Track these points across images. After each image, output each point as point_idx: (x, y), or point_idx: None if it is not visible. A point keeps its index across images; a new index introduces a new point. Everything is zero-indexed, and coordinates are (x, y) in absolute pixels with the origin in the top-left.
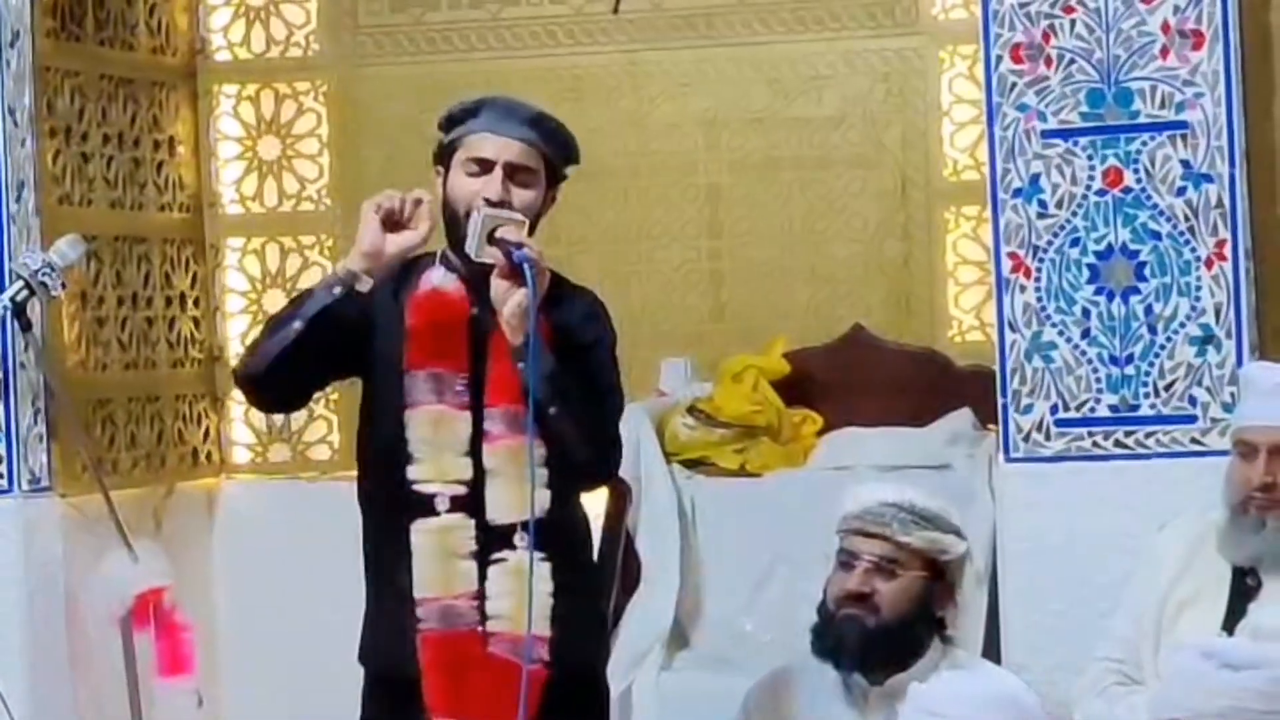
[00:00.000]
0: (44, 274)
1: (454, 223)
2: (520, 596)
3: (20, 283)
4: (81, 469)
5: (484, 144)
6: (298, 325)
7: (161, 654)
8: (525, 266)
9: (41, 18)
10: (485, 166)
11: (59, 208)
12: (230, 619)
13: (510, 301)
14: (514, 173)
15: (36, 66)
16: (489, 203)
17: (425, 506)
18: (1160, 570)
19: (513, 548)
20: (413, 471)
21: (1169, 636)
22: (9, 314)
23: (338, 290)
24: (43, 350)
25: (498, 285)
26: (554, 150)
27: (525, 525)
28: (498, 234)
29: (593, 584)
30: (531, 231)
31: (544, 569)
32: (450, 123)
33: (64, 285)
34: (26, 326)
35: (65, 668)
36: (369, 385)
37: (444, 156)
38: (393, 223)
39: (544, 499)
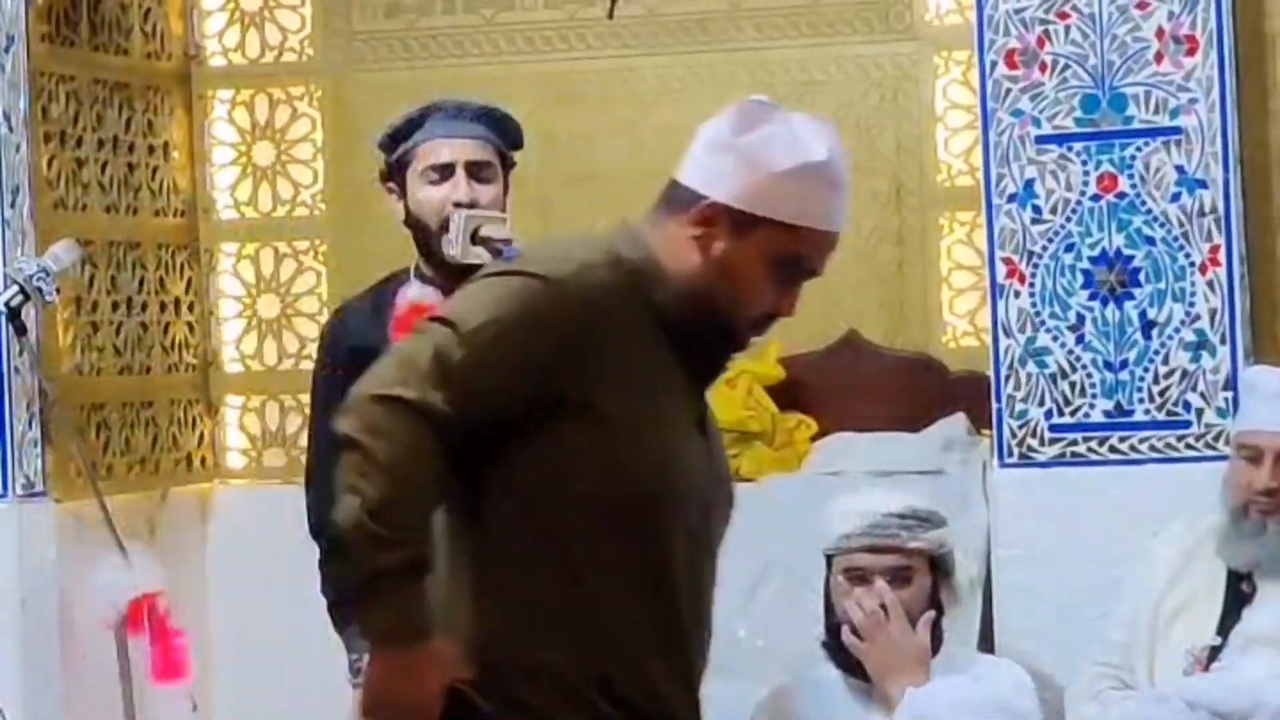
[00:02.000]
0: (39, 279)
1: (423, 235)
2: None
3: (15, 287)
4: (76, 474)
5: (439, 149)
6: None
7: (155, 659)
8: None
9: (36, 22)
10: (445, 171)
11: (54, 212)
12: (224, 624)
13: None
14: (474, 171)
15: (31, 71)
16: (459, 205)
17: None
18: (1155, 575)
19: None
20: None
21: (1163, 642)
22: (3, 318)
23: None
24: (37, 355)
25: None
26: (505, 141)
27: None
28: (482, 233)
29: None
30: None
31: None
32: (395, 138)
33: (58, 290)
34: (21, 331)
35: (59, 673)
36: None
37: (396, 172)
38: None
39: None
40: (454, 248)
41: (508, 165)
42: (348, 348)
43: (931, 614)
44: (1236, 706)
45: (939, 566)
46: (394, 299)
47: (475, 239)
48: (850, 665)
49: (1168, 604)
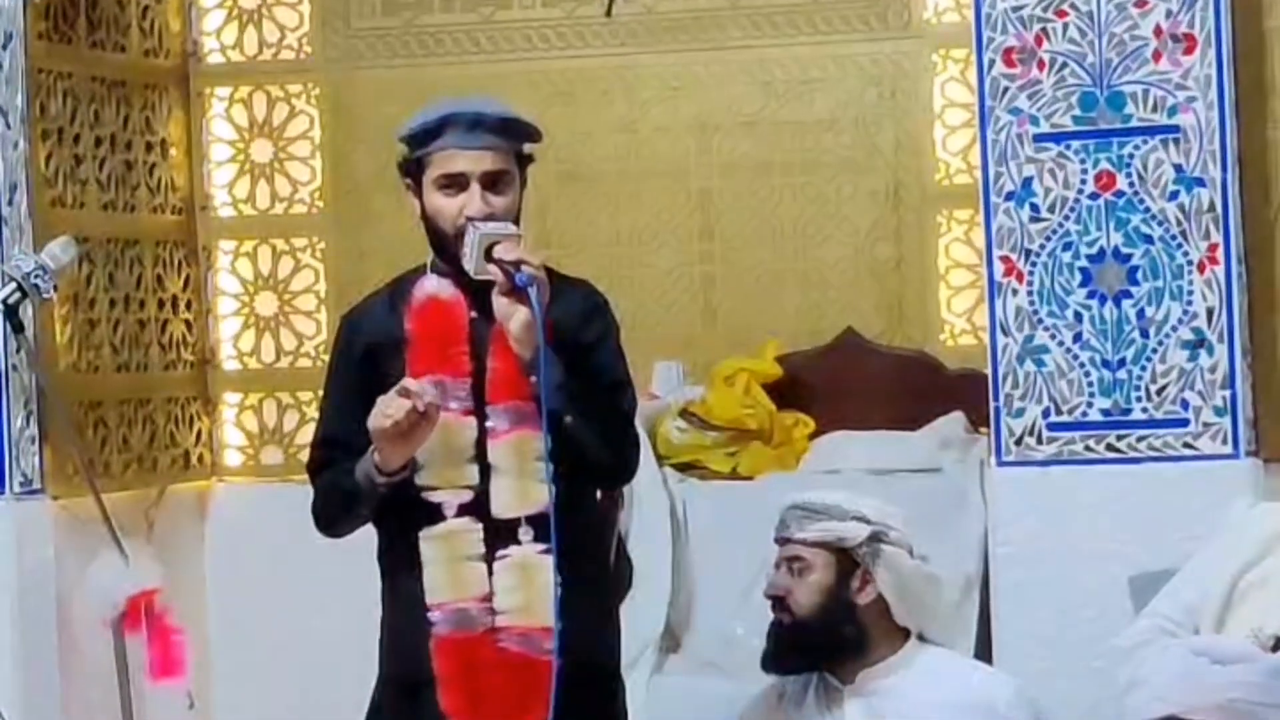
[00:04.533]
0: (36, 276)
1: (439, 236)
2: (526, 590)
3: (13, 284)
4: (73, 471)
5: (455, 160)
6: (365, 514)
7: (153, 657)
8: (530, 291)
9: (34, 20)
10: (460, 182)
11: (51, 210)
12: (222, 622)
13: (515, 320)
14: (489, 181)
15: (29, 68)
16: (473, 219)
17: (434, 513)
18: (1244, 544)
19: (517, 543)
20: (420, 479)
21: (1233, 614)
22: (1, 316)
23: (381, 487)
24: (35, 352)
25: (499, 303)
26: (522, 144)
27: (529, 519)
28: (495, 253)
29: (602, 579)
30: (516, 224)
31: (550, 561)
32: (413, 141)
33: (56, 287)
34: (19, 328)
35: (56, 670)
36: (375, 398)
37: (412, 169)
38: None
39: (550, 493)
40: (469, 263)
41: (525, 162)
42: (364, 345)
43: None
44: (1240, 653)
45: (855, 561)
46: (410, 292)
47: (489, 256)
48: (764, 663)
49: (1247, 578)
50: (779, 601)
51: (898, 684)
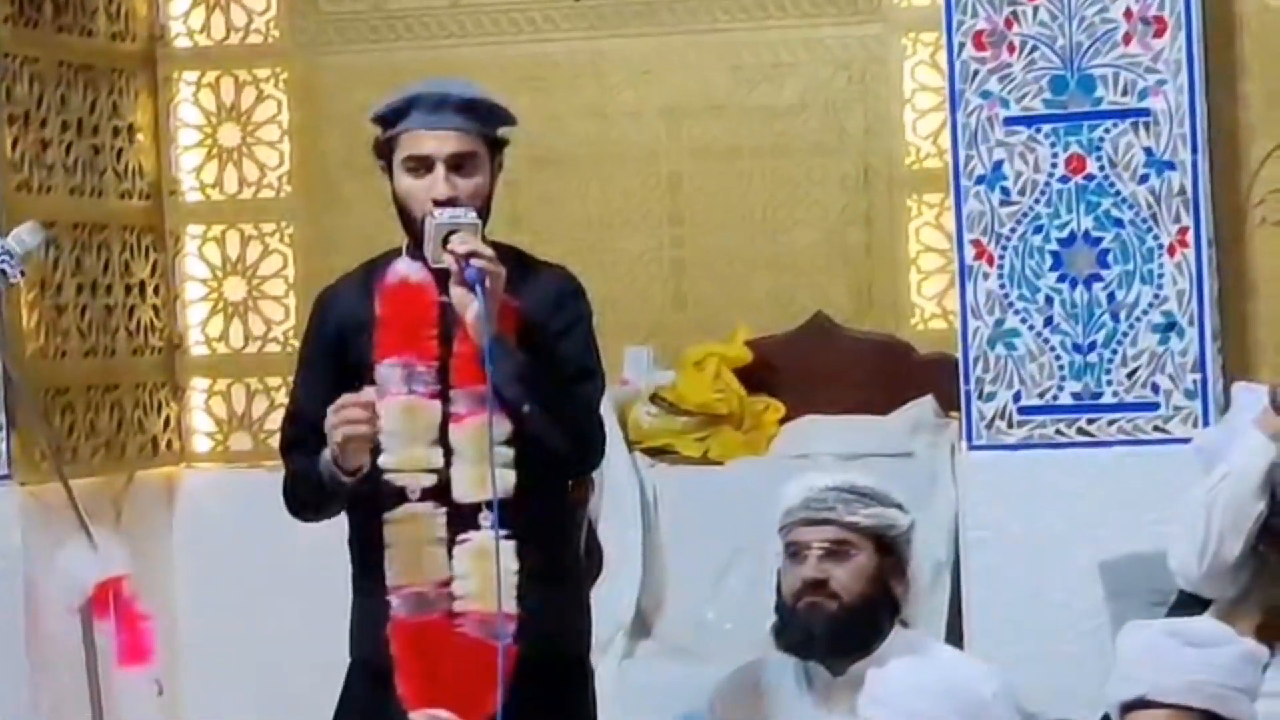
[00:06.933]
0: (3, 261)
1: (409, 220)
2: (483, 576)
3: None
4: (40, 457)
5: (420, 141)
6: (334, 508)
7: (121, 643)
8: (477, 288)
9: None
10: (426, 164)
11: (17, 195)
12: (190, 608)
13: (470, 311)
14: (456, 163)
15: None
16: (437, 203)
17: (397, 496)
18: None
19: (477, 528)
20: (384, 462)
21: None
22: None
23: (346, 485)
24: (1, 338)
25: (456, 292)
26: (491, 128)
27: (489, 505)
28: (450, 244)
29: (568, 566)
30: (487, 211)
31: (509, 548)
32: (383, 122)
33: (23, 273)
34: None
35: (24, 656)
36: (344, 378)
37: (384, 151)
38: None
39: (510, 478)
40: (428, 251)
41: (497, 148)
42: (336, 324)
43: None
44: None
45: (891, 549)
46: (383, 275)
47: (446, 245)
48: (794, 648)
49: None
50: (819, 586)
51: (882, 673)
